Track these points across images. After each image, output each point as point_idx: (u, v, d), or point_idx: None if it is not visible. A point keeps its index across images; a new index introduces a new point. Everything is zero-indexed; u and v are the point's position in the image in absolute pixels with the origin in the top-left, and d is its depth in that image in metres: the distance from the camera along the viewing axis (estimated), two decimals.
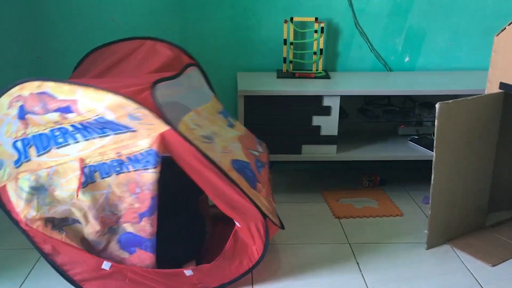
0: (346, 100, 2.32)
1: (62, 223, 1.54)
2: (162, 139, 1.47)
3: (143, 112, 1.43)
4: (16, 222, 1.53)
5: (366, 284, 1.75)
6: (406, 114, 2.53)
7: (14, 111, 1.44)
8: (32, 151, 1.49)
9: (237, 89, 2.27)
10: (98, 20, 2.44)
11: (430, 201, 1.90)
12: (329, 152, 2.30)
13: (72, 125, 1.46)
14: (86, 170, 1.49)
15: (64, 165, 1.49)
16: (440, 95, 2.30)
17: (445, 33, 2.55)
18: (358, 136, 2.50)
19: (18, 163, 1.50)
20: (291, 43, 2.45)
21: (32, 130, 1.47)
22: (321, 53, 2.45)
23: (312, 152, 2.29)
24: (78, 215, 1.52)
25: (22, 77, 2.48)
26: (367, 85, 2.36)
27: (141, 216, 1.53)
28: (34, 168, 1.49)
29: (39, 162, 1.49)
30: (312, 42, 2.46)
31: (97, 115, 1.42)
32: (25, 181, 1.49)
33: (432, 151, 1.84)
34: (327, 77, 2.42)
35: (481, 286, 1.74)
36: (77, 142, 1.48)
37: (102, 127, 1.46)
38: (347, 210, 2.27)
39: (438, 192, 1.90)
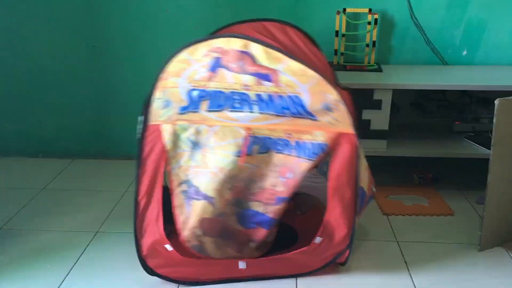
0: (399, 94, 2.25)
1: (194, 195, 1.50)
2: (339, 139, 1.47)
3: (339, 107, 1.43)
4: (141, 158, 1.50)
5: (414, 285, 1.70)
6: (462, 110, 2.43)
7: (207, 60, 1.42)
8: (204, 105, 1.46)
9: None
10: (152, 11, 2.48)
11: (485, 201, 1.82)
12: (379, 147, 2.24)
13: (257, 94, 1.43)
14: (251, 139, 1.47)
15: (228, 128, 1.48)
16: (499, 90, 2.19)
17: (507, 25, 2.43)
18: (410, 132, 2.43)
19: (184, 110, 1.48)
20: (343, 35, 2.40)
21: (214, 85, 1.44)
22: (373, 46, 2.39)
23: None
24: (211, 191, 1.49)
25: (78, 66, 2.58)
26: (421, 79, 2.28)
27: (280, 200, 1.51)
28: (197, 120, 1.48)
29: (205, 116, 1.47)
30: (365, 34, 2.40)
31: (293, 93, 1.42)
32: (184, 131, 1.49)
33: (489, 149, 1.76)
34: (379, 70, 2.35)
35: None
36: (252, 112, 1.45)
37: (286, 106, 1.44)
38: (396, 207, 2.21)
39: (494, 192, 1.81)
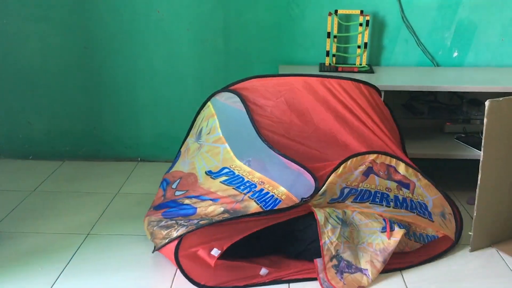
0: (390, 96, 2.26)
1: (346, 269, 1.70)
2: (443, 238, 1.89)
3: (451, 219, 1.88)
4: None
5: (406, 284, 1.70)
6: (453, 111, 2.45)
7: (363, 168, 1.77)
8: (351, 198, 1.77)
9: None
10: (144, 11, 2.47)
11: (476, 202, 1.83)
12: None
13: (395, 196, 1.80)
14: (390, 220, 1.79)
15: (366, 213, 1.78)
16: (490, 92, 2.21)
17: (497, 27, 2.45)
18: (402, 133, 2.43)
19: (333, 201, 1.75)
20: (335, 36, 2.41)
21: (364, 185, 1.77)
22: (365, 47, 2.40)
23: None
24: (364, 263, 1.72)
25: (69, 67, 2.56)
26: (413, 80, 2.29)
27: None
28: (340, 206, 1.77)
29: (348, 205, 1.77)
30: (357, 35, 2.41)
31: (422, 200, 1.83)
32: (333, 211, 1.74)
33: (480, 150, 1.77)
34: (370, 71, 2.36)
35: None
36: (388, 207, 1.79)
37: (415, 207, 1.82)
38: None
39: (484, 192, 1.82)
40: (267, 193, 1.73)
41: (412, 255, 1.84)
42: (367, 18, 2.36)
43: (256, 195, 1.73)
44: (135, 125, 2.67)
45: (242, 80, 2.07)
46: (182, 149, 2.09)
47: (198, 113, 2.13)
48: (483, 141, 1.75)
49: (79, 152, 2.72)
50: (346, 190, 1.76)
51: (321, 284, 1.67)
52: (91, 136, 2.69)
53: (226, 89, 2.08)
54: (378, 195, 1.78)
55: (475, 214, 1.84)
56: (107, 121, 2.66)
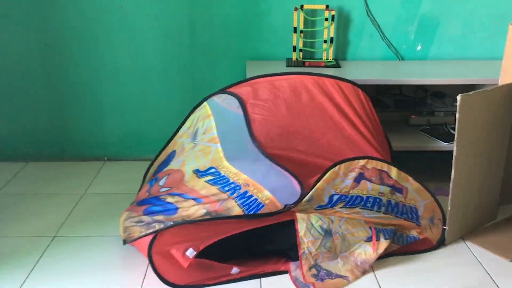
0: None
1: (326, 276, 1.70)
2: (425, 241, 1.90)
3: (439, 225, 1.89)
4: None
5: (376, 278, 1.73)
6: (417, 104, 2.49)
7: (353, 175, 1.74)
8: (340, 204, 1.74)
9: (246, 78, 2.24)
10: (107, 7, 2.42)
11: (450, 196, 1.86)
12: None
13: (388, 200, 1.78)
14: (376, 228, 1.80)
15: (353, 221, 1.78)
16: (453, 84, 2.26)
17: (458, 21, 2.50)
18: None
19: (320, 207, 1.73)
20: (301, 31, 2.41)
21: (354, 192, 1.74)
22: (331, 42, 2.42)
23: None
24: (345, 271, 1.72)
25: (30, 65, 2.49)
26: (378, 74, 2.32)
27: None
28: (328, 213, 1.74)
29: (336, 210, 1.74)
30: (323, 30, 2.43)
31: (414, 205, 1.83)
32: (318, 219, 1.73)
33: (444, 142, 1.81)
34: (337, 66, 2.38)
35: (492, 279, 1.72)
36: (378, 212, 1.78)
37: (405, 212, 1.83)
38: None
39: (458, 187, 1.85)
40: (251, 196, 1.71)
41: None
42: (333, 13, 2.37)
43: (239, 197, 1.71)
44: (100, 123, 2.62)
45: (239, 82, 2.06)
46: (178, 150, 2.04)
47: (190, 114, 2.09)
48: (456, 135, 1.77)
49: (43, 153, 2.64)
50: (335, 197, 1.73)
51: (293, 282, 1.68)
52: (55, 136, 2.62)
53: (223, 91, 2.05)
54: (370, 200, 1.77)
55: (449, 208, 1.87)
56: (71, 120, 2.60)
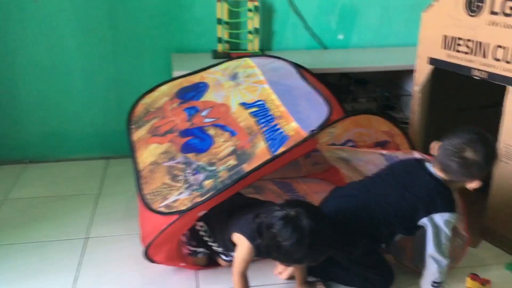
0: None
1: None
2: None
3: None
4: None
5: None
6: (342, 91, 2.56)
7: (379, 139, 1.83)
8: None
9: (171, 71, 2.21)
10: (18, 1, 2.28)
11: None
12: None
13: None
14: None
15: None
16: (374, 71, 2.35)
17: (376, 9, 2.59)
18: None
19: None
20: (226, 23, 2.40)
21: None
22: (256, 32, 2.42)
23: None
24: None
25: None
26: (303, 63, 2.34)
27: None
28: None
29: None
30: (247, 21, 2.43)
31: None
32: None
33: None
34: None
35: None
36: None
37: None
38: None
39: None
40: (278, 129, 1.69)
41: None
42: (256, 3, 2.38)
43: (268, 131, 1.69)
44: (19, 124, 2.47)
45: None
46: (211, 83, 2.03)
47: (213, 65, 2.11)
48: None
49: None
50: (349, 144, 1.77)
51: None
52: None
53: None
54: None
55: None
56: None
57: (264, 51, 2.48)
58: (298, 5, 2.51)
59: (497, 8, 1.68)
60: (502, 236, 1.80)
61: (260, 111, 1.79)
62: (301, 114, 1.70)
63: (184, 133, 1.83)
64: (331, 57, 2.48)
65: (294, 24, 2.54)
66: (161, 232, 1.51)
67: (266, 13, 2.50)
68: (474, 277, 1.59)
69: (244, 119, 1.78)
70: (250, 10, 2.39)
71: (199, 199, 1.52)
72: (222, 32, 2.40)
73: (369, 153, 1.78)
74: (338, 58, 2.46)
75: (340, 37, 2.61)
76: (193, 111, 1.95)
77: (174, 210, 1.52)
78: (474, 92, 2.06)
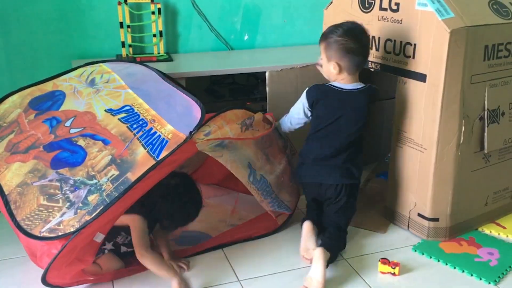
0: (192, 82, 2.30)
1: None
2: None
3: None
4: None
5: (226, 255, 1.77)
6: (250, 91, 2.60)
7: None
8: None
9: None
10: None
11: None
12: None
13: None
14: None
15: None
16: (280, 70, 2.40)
17: (278, 10, 2.66)
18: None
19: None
20: (128, 26, 2.34)
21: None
22: (161, 35, 2.38)
23: None
24: None
25: None
26: (211, 65, 2.36)
27: None
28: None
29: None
30: (151, 24, 2.38)
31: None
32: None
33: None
34: (169, 59, 2.36)
35: None
36: None
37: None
38: None
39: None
40: (155, 133, 1.61)
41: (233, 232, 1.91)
42: (158, 6, 2.34)
43: (144, 136, 1.61)
44: None
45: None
46: (67, 91, 1.88)
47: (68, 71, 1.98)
48: (267, 107, 1.92)
49: None
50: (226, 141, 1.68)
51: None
52: None
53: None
54: None
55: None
56: None
57: (170, 54, 2.44)
58: (201, 6, 2.50)
59: (385, 5, 1.79)
60: (398, 214, 1.92)
61: (130, 116, 1.73)
62: (173, 116, 1.67)
63: (50, 147, 1.70)
64: (237, 58, 2.51)
65: (199, 26, 2.53)
66: (54, 259, 1.41)
67: (170, 15, 2.47)
68: (385, 261, 1.68)
69: (115, 126, 1.70)
70: (153, 12, 2.34)
71: (88, 217, 1.42)
72: (126, 36, 2.34)
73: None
74: (245, 58, 2.49)
75: (246, 38, 2.65)
76: (54, 122, 1.81)
77: (61, 233, 1.41)
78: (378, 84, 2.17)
